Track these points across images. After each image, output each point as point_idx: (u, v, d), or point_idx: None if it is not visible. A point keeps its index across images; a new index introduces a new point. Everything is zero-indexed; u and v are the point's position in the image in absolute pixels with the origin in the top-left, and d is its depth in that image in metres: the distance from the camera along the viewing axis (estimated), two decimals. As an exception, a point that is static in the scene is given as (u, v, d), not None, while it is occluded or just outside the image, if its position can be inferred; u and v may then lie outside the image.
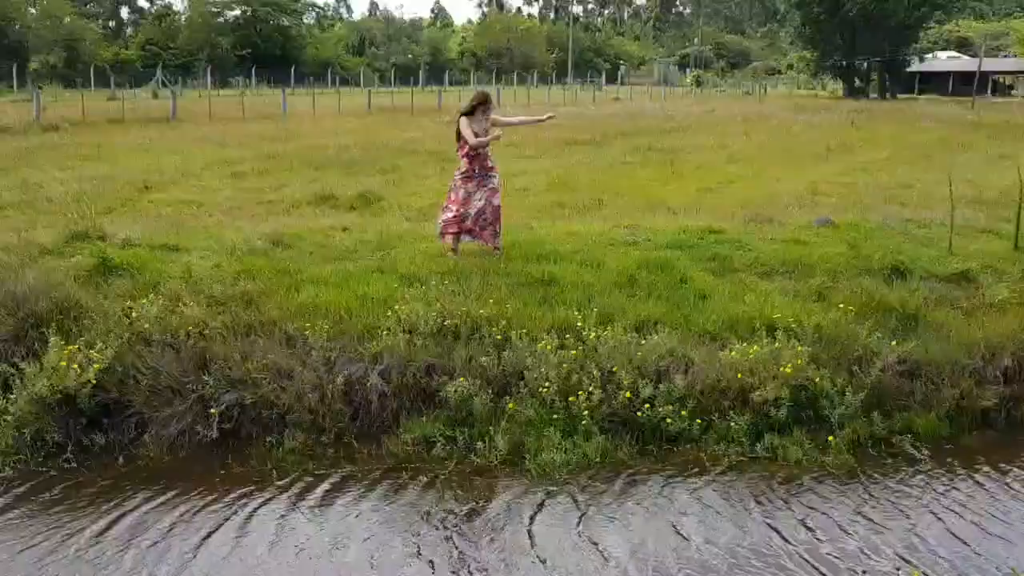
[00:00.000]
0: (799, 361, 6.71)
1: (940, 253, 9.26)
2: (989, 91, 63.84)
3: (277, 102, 35.00)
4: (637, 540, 5.31)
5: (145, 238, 8.94)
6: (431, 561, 5.10)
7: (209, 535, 5.32)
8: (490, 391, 6.58)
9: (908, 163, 19.05)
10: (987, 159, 19.71)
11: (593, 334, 6.96)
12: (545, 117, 8.89)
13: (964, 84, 61.06)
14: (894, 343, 7.19)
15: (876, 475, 6.15)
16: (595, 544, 5.27)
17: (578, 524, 5.47)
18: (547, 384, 6.52)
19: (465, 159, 8.49)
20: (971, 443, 6.70)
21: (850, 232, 10.11)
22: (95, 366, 6.36)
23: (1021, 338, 7.42)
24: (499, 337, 6.93)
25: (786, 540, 5.32)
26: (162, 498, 5.72)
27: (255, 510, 5.60)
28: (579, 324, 7.10)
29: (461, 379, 6.58)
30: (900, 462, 6.35)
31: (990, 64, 63.53)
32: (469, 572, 5.01)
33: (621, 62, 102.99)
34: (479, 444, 6.25)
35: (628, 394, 6.46)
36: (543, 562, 5.09)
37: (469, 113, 8.37)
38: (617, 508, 5.66)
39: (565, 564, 5.07)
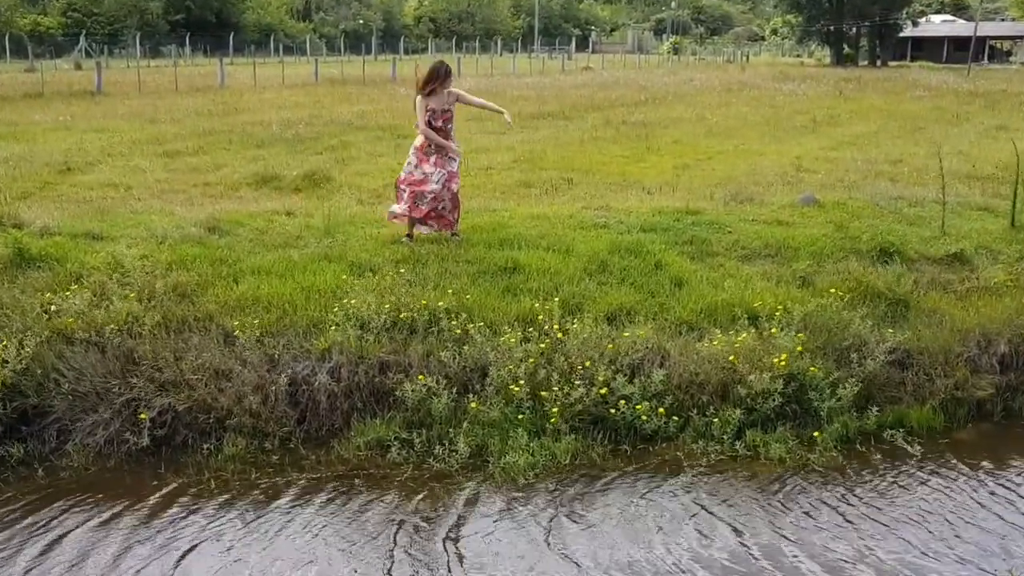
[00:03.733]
0: (798, 348, 6.78)
1: (932, 233, 9.40)
2: (986, 58, 64.89)
3: (214, 73, 34.55)
4: (609, 548, 5.33)
5: (66, 225, 8.77)
6: (386, 576, 5.07)
7: (139, 555, 5.23)
8: (450, 390, 6.55)
9: (899, 136, 19.32)
10: (983, 131, 20.06)
11: (561, 325, 6.95)
12: (506, 115, 8.72)
13: (959, 50, 62.03)
14: (884, 331, 7.27)
15: (866, 473, 6.23)
16: (564, 554, 5.28)
17: (546, 532, 5.48)
18: (512, 381, 6.51)
19: (421, 137, 8.42)
20: (966, 436, 6.82)
21: (836, 211, 10.22)
22: (8, 367, 6.22)
23: (1018, 323, 7.56)
24: (459, 331, 6.91)
25: (765, 548, 5.36)
26: (87, 514, 5.62)
27: (192, 524, 5.53)
28: (546, 315, 7.09)
29: (418, 377, 6.55)
30: (891, 458, 6.44)
31: (987, 28, 64.57)
32: (428, 587, 5.00)
33: (592, 28, 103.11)
34: (438, 447, 6.23)
35: (602, 391, 6.48)
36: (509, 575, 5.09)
37: (429, 91, 8.27)
38: (588, 514, 5.67)
39: (532, 576, 5.07)
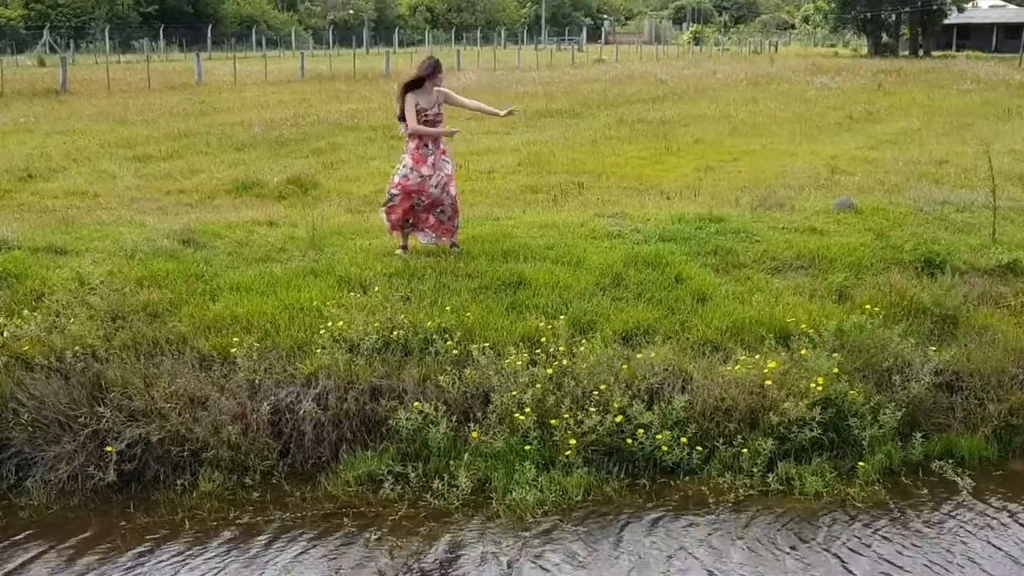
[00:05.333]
0: (835, 370, 6.76)
1: (982, 241, 9.36)
2: (1038, 46, 64.83)
3: (190, 69, 34.69)
4: (627, 595, 5.29)
5: (26, 238, 8.78)
6: (379, 627, 5.04)
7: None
8: (449, 418, 6.53)
9: (944, 133, 19.30)
10: (1037, 128, 20.00)
11: (571, 346, 6.93)
12: (504, 112, 8.77)
13: (1010, 38, 61.98)
14: (930, 350, 7.24)
15: (911, 509, 6.18)
16: (577, 601, 5.24)
17: (556, 577, 5.44)
18: (518, 408, 6.48)
19: (414, 137, 8.42)
20: (1022, 468, 6.76)
21: (876, 218, 10.19)
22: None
23: (1078, 341, 7.50)
24: (458, 352, 6.89)
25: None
26: (48, 558, 5.60)
27: (163, 569, 5.50)
28: (554, 335, 7.07)
29: (414, 404, 6.53)
30: (940, 492, 6.39)
31: (1040, 14, 64.52)
32: (425, 639, 4.96)
33: (604, 17, 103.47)
34: (436, 482, 6.21)
35: (618, 418, 6.45)
36: (514, 625, 5.06)
37: (416, 85, 8.30)
38: (603, 557, 5.63)
39: (541, 626, 5.04)
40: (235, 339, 6.90)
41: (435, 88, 8.38)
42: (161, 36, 58.00)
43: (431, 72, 8.32)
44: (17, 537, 5.81)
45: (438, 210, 8.52)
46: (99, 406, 6.39)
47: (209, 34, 55.22)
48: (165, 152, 16.00)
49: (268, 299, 7.51)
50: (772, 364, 6.84)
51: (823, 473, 6.38)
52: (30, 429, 6.34)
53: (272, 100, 25.93)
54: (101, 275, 7.75)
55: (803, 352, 6.97)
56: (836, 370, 6.84)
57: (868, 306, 7.71)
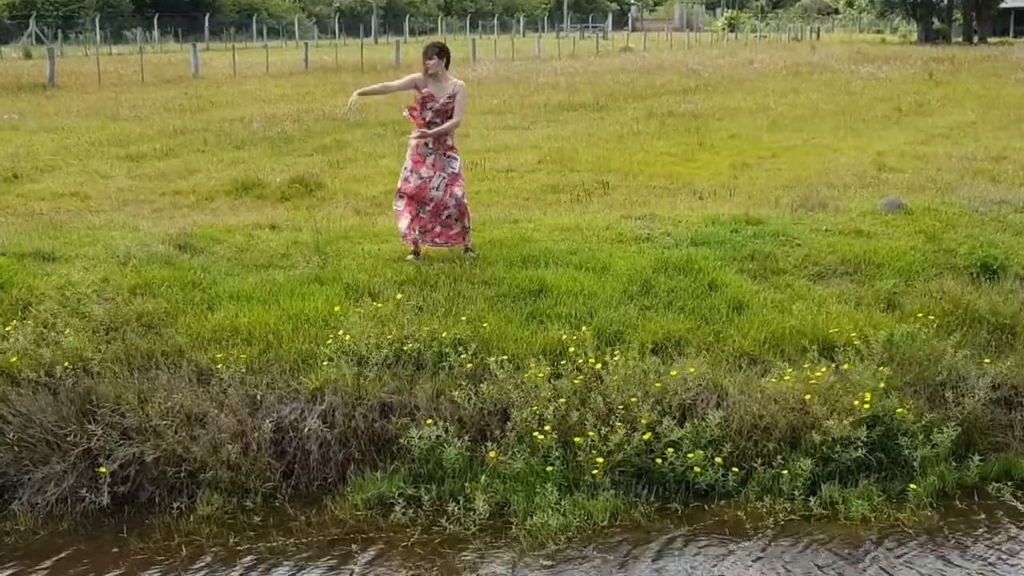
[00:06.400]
0: (883, 385, 6.73)
1: (1044, 244, 9.31)
2: (1104, 31, 64.40)
3: (186, 61, 34.96)
4: (658, 628, 5.28)
5: (11, 244, 8.86)
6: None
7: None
8: (465, 436, 6.55)
9: (1001, 127, 19.17)
10: (1103, 120, 19.86)
11: (596, 358, 6.93)
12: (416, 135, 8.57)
13: (1072, 23, 61.57)
14: (986, 362, 7.20)
15: (967, 536, 6.15)
16: (603, 635, 5.24)
17: (581, 609, 5.45)
18: (538, 425, 6.49)
19: (417, 128, 8.46)
20: (1088, 491, 6.72)
21: (927, 219, 10.15)
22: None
23: None
24: (473, 365, 6.90)
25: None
26: (36, 586, 5.66)
27: (158, 600, 5.55)
28: (578, 346, 7.07)
29: (427, 421, 6.55)
30: (998, 517, 6.36)
31: (1106, -4, 64.12)
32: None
33: (632, 2, 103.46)
34: (451, 505, 6.22)
35: (647, 436, 6.45)
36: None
37: (430, 70, 8.36)
38: (632, 586, 5.63)
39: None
40: (219, 355, 6.92)
41: (450, 81, 8.40)
42: (155, 26, 58.43)
43: (425, 55, 8.35)
44: (2, 565, 5.86)
45: (444, 215, 8.54)
46: (90, 423, 6.43)
47: (206, 23, 55.75)
48: (160, 150, 16.11)
49: (270, 308, 7.54)
50: (816, 375, 6.81)
51: (870, 496, 6.36)
52: (16, 448, 6.39)
53: (274, 94, 26.07)
54: (92, 283, 7.80)
55: (848, 366, 6.94)
56: (884, 385, 6.81)
57: (919, 315, 7.67)
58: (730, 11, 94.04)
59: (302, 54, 38.51)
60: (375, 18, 73.55)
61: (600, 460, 6.36)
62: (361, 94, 8.69)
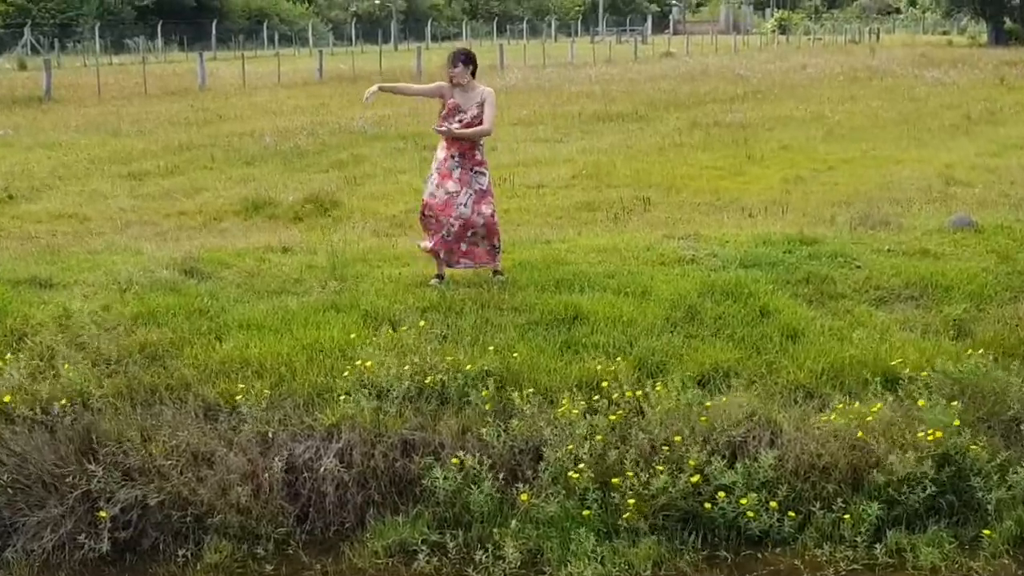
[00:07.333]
0: (954, 421, 6.67)
1: None
2: None
3: (192, 71, 35.33)
4: None
5: (6, 270, 8.97)
6: None
7: None
8: (494, 477, 6.53)
9: (1082, 136, 19.02)
10: None
11: (637, 392, 6.91)
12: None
13: None
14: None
15: (1048, 587, 6.07)
16: None
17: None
18: (573, 465, 6.47)
19: (444, 140, 8.56)
20: None
21: (1000, 238, 10.08)
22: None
23: None
24: (502, 400, 6.90)
25: None
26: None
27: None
28: (617, 378, 7.06)
29: (452, 461, 6.55)
30: (1083, 567, 6.27)
31: None
32: None
33: (673, 3, 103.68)
34: (479, 553, 6.19)
35: (694, 478, 6.42)
36: None
37: (454, 80, 8.45)
38: (677, 642, 5.60)
39: None
40: (228, 388, 6.97)
41: (478, 90, 8.47)
42: (159, 34, 59.08)
43: (449, 62, 8.45)
44: (-4, 616, 5.91)
45: (469, 233, 8.57)
46: (90, 463, 6.46)
47: (214, 30, 56.24)
48: (164, 168, 16.28)
49: (283, 338, 7.58)
50: (880, 410, 6.75)
51: (941, 543, 6.27)
52: (11, 491, 6.42)
53: (286, 106, 26.30)
54: (92, 312, 7.88)
55: (922, 403, 6.87)
56: (957, 421, 6.74)
57: (992, 343, 7.60)
58: (781, 11, 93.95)
59: (316, 62, 38.86)
60: (395, 23, 74.05)
61: (634, 504, 6.31)
62: (382, 88, 8.76)
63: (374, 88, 8.69)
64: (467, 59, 8.50)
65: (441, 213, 8.48)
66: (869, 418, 6.72)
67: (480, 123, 8.45)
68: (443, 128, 8.48)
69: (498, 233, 8.74)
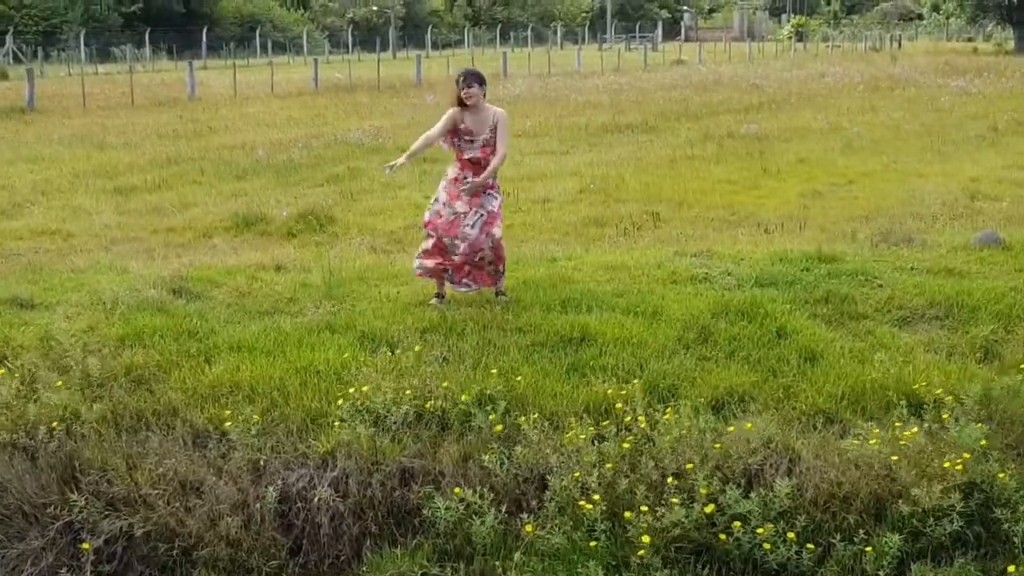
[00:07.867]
0: (981, 446, 6.64)
1: None
2: None
3: (181, 81, 35.47)
4: None
5: (-15, 289, 8.99)
6: None
7: None
8: (497, 507, 6.51)
9: (1114, 148, 19.03)
10: None
11: (648, 417, 6.91)
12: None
13: None
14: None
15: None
16: None
17: None
18: (582, 494, 6.46)
19: (457, 160, 8.59)
20: None
21: (1029, 255, 10.07)
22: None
23: None
24: (505, 426, 6.90)
25: None
26: None
27: None
28: (626, 403, 7.05)
29: (454, 490, 6.54)
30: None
31: None
32: None
33: (685, 9, 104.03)
34: (482, 587, 6.19)
35: (708, 508, 6.40)
36: None
37: (461, 103, 8.47)
38: None
39: None
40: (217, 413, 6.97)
41: (491, 111, 8.51)
42: (147, 41, 59.34)
43: (463, 83, 8.46)
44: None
45: (477, 256, 8.58)
46: (72, 492, 6.46)
47: (204, 38, 56.50)
48: (151, 182, 16.32)
49: (275, 361, 7.58)
50: (905, 436, 6.73)
51: (969, 577, 6.26)
52: (-11, 521, 6.45)
53: (280, 117, 26.37)
54: (75, 333, 7.88)
55: (946, 423, 6.85)
56: (984, 442, 6.71)
57: (1022, 366, 7.58)
58: (797, 17, 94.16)
59: (311, 71, 38.99)
60: (393, 30, 74.37)
61: (654, 537, 6.30)
62: (410, 158, 8.75)
63: (402, 160, 8.66)
64: (482, 80, 8.56)
65: (446, 234, 8.49)
66: (899, 444, 6.70)
67: (493, 148, 8.51)
68: (464, 181, 8.48)
69: (504, 258, 8.77)
